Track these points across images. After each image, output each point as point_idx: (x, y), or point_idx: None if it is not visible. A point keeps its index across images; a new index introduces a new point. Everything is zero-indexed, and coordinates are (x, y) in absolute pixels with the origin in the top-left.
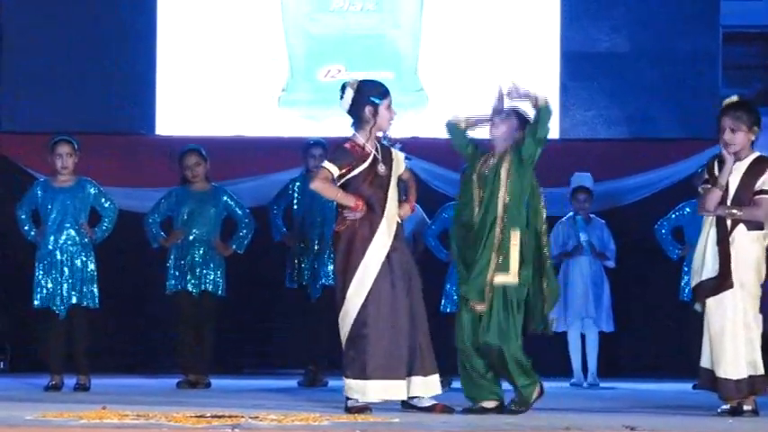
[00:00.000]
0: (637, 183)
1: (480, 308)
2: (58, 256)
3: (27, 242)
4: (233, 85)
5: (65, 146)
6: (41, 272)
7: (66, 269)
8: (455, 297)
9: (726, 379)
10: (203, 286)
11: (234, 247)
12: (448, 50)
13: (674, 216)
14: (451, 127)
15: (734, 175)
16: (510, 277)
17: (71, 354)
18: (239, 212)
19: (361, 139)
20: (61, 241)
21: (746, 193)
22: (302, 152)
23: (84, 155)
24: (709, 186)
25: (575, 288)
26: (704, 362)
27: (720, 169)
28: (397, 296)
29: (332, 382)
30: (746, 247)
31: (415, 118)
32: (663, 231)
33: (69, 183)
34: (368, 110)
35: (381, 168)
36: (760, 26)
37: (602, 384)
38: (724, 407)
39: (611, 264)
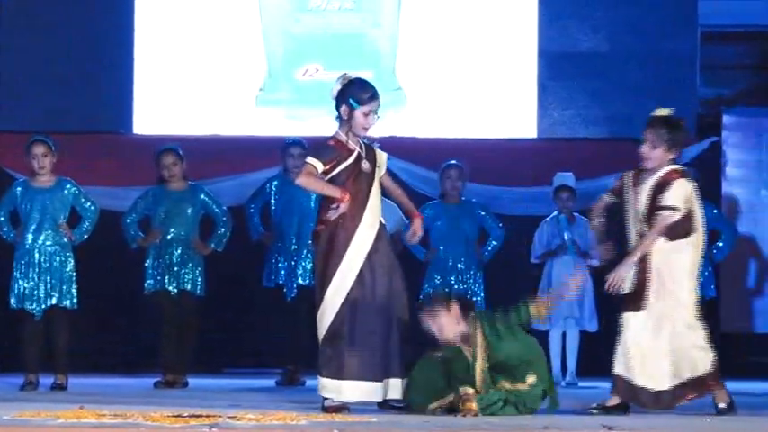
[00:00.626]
0: None
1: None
2: (37, 257)
3: (6, 243)
4: (210, 84)
5: (40, 146)
6: (19, 272)
7: (44, 270)
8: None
9: (645, 388)
10: (182, 285)
11: (212, 245)
12: (426, 50)
13: None
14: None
15: (644, 191)
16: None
17: (49, 353)
18: (217, 211)
19: (343, 136)
20: (40, 242)
21: (655, 206)
22: (281, 152)
23: (62, 154)
24: (594, 226)
25: (558, 287)
26: (619, 368)
27: (626, 185)
28: (376, 297)
29: (310, 382)
30: (670, 258)
31: (394, 117)
32: None
33: (49, 183)
34: (343, 109)
35: (365, 165)
36: (739, 26)
37: (582, 383)
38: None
39: (595, 262)
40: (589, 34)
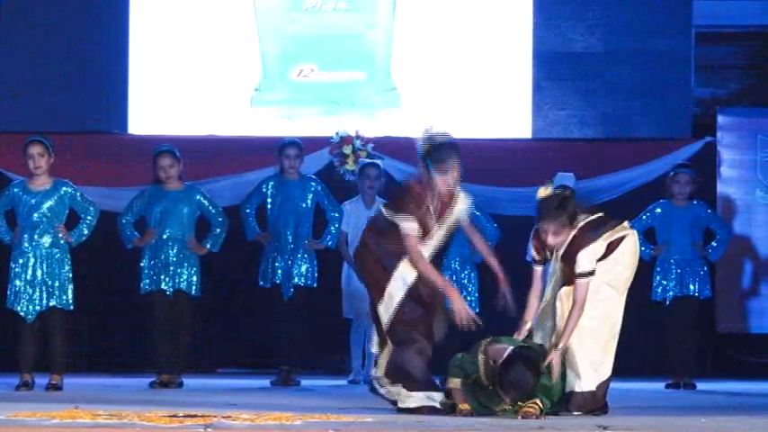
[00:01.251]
0: (609, 182)
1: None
2: (33, 259)
3: (3, 244)
4: (205, 84)
5: (36, 146)
6: (15, 273)
7: (40, 271)
8: None
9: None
10: (177, 286)
11: (208, 246)
12: (421, 50)
13: (645, 216)
14: None
15: (559, 253)
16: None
17: (45, 354)
18: (213, 211)
19: (422, 186)
20: (36, 243)
21: (572, 255)
22: (277, 152)
23: (57, 155)
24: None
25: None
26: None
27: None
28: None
29: (305, 382)
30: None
31: (388, 117)
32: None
33: (46, 185)
34: (424, 170)
35: (430, 219)
36: (734, 26)
37: None
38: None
39: None
40: (584, 35)
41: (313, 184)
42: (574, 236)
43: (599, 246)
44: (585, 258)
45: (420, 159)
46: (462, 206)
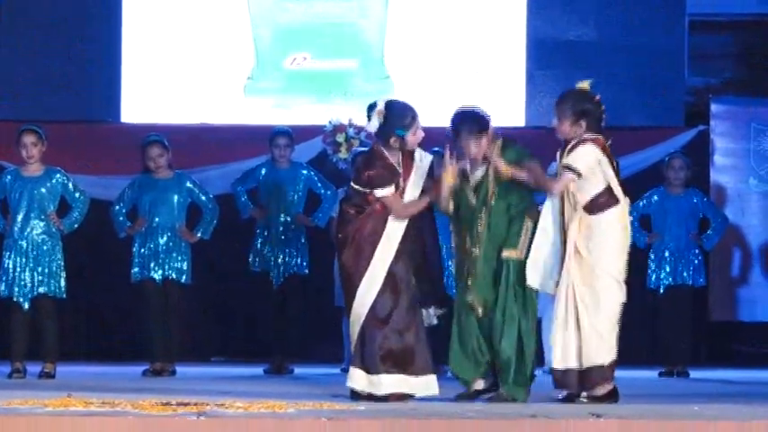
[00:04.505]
0: None
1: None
2: (25, 246)
3: None
4: (199, 73)
5: (29, 135)
6: (7, 261)
7: (32, 259)
8: None
9: (553, 369)
10: (168, 274)
11: (199, 234)
12: (414, 38)
13: (641, 204)
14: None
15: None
16: (516, 253)
17: (37, 342)
18: (203, 198)
19: (388, 152)
20: (28, 231)
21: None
22: (269, 141)
23: (50, 143)
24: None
25: None
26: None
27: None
28: (406, 288)
29: (298, 370)
30: (588, 234)
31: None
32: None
33: (38, 172)
34: (393, 140)
35: (400, 181)
36: (727, 15)
37: None
38: (559, 396)
39: None
40: (577, 23)
41: (304, 171)
42: (577, 142)
43: (597, 155)
44: (580, 156)
45: (385, 133)
46: (426, 159)
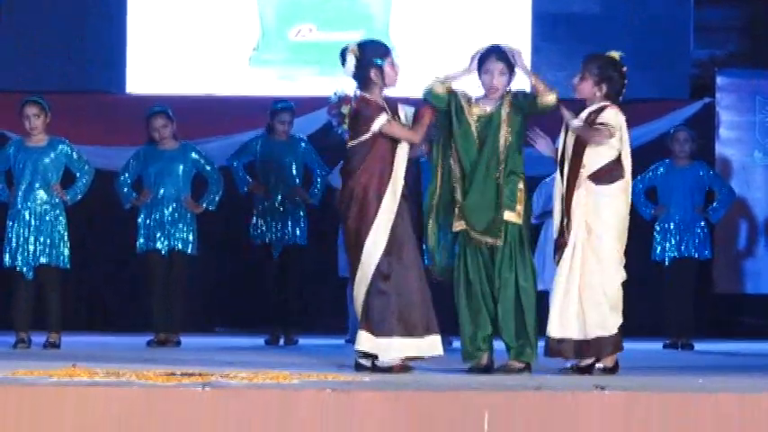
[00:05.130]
0: None
1: (492, 241)
2: (28, 217)
3: (1, 202)
4: (204, 44)
5: (32, 107)
6: (10, 231)
7: (35, 229)
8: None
9: (548, 336)
10: (173, 245)
11: (205, 204)
12: (419, 10)
13: (647, 176)
14: (430, 95)
15: (576, 123)
16: (515, 216)
17: (42, 312)
18: (209, 169)
19: (370, 96)
20: (30, 201)
21: (581, 142)
22: (270, 114)
23: (54, 114)
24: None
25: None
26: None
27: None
28: (410, 249)
29: (302, 341)
30: (595, 203)
31: None
32: (636, 191)
33: (42, 143)
34: (373, 73)
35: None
36: None
37: None
38: (567, 365)
39: None
40: None
41: (303, 144)
42: (603, 106)
43: (621, 122)
44: (611, 117)
45: (363, 68)
46: (410, 113)
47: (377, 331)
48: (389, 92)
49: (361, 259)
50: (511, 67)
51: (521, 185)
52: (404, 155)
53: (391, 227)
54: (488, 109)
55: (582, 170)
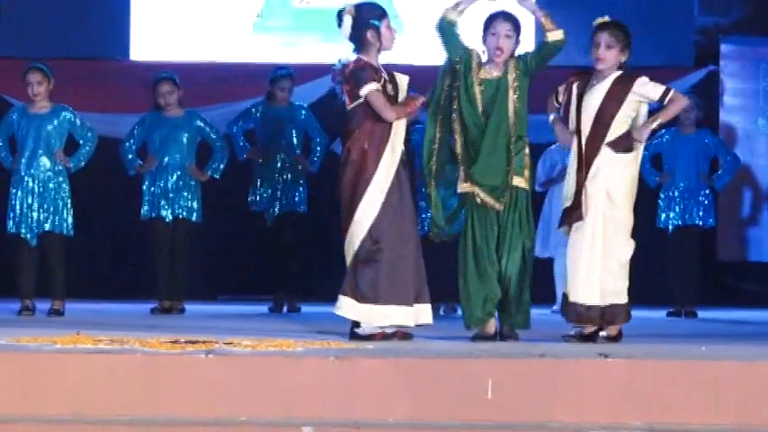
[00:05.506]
0: None
1: (499, 206)
2: (31, 184)
3: (4, 168)
4: (207, 10)
5: (35, 74)
6: (14, 198)
7: (38, 197)
8: (419, 219)
9: (576, 303)
10: (177, 212)
11: (210, 172)
12: None
13: (652, 143)
14: (444, 25)
15: (595, 95)
16: (523, 181)
17: (46, 279)
18: (213, 137)
19: (367, 59)
20: (33, 168)
21: (609, 112)
22: (269, 81)
23: (58, 80)
24: (555, 117)
25: (558, 213)
26: (565, 287)
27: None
28: (406, 216)
29: (306, 309)
30: (611, 171)
31: None
32: (641, 159)
33: (45, 109)
34: (370, 34)
35: (389, 88)
36: None
37: None
38: (569, 332)
39: None
40: None
41: (303, 111)
42: (616, 79)
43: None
44: (651, 82)
45: (359, 30)
46: (405, 81)
47: (359, 297)
48: (389, 58)
49: (353, 221)
50: (518, 31)
51: (526, 150)
52: (403, 123)
53: (387, 191)
54: (494, 74)
55: (605, 139)
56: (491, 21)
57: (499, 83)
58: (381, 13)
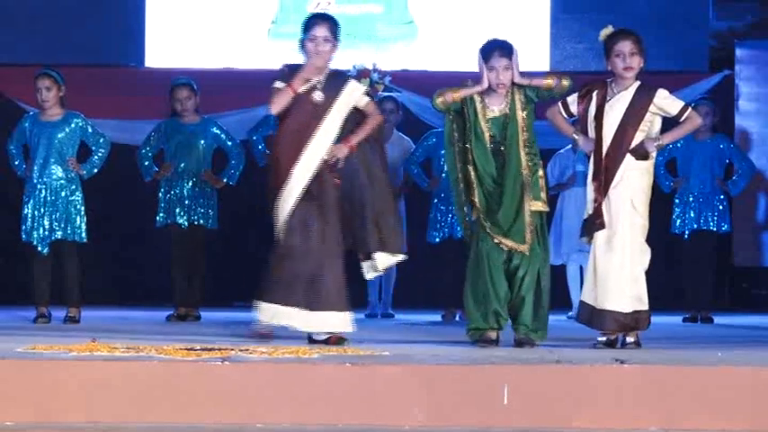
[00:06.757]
0: None
1: (523, 248)
2: (43, 192)
3: (18, 176)
4: (222, 17)
5: (44, 79)
6: (27, 206)
7: (50, 205)
8: (438, 226)
9: (613, 311)
10: (193, 219)
11: (225, 179)
12: None
13: (667, 148)
14: (438, 107)
15: (616, 107)
16: (541, 205)
17: (60, 287)
18: (229, 144)
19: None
20: (46, 176)
21: (632, 123)
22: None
23: (73, 87)
24: (576, 130)
25: (570, 219)
26: (584, 295)
27: (589, 99)
28: (309, 226)
29: None
30: (633, 179)
31: (405, 50)
32: (656, 164)
33: (57, 117)
34: (301, 45)
35: (318, 96)
36: None
37: None
38: (601, 339)
39: None
40: None
41: None
42: (638, 89)
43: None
44: (671, 96)
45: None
46: (358, 89)
47: (264, 297)
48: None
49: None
50: (514, 57)
51: (540, 172)
52: (331, 130)
53: (295, 202)
54: (499, 108)
55: (627, 148)
56: (488, 56)
57: (507, 122)
58: (304, 27)
